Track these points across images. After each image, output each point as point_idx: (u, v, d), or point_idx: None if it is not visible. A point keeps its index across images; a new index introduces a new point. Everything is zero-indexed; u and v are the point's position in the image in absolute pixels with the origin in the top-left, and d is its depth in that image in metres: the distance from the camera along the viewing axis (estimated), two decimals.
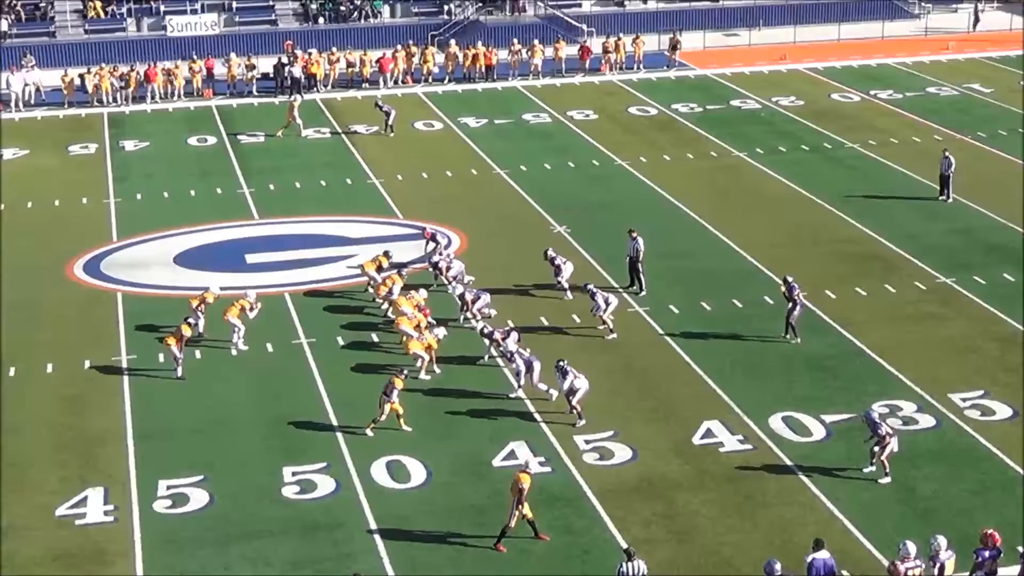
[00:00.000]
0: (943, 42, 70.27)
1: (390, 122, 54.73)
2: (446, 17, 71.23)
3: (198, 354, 34.59)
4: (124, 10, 69.82)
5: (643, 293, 37.76)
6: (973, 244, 42.00)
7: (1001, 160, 50.57)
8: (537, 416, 31.27)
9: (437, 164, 50.79)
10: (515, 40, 65.41)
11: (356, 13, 71.27)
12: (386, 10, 72.12)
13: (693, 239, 42.13)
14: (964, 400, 31.89)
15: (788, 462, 29.22)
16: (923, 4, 76.66)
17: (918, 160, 50.31)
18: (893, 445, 28.23)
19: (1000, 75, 64.09)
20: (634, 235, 37.97)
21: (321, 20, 70.88)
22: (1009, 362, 33.98)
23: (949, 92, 61.25)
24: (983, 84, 62.27)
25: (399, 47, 64.21)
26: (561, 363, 31.16)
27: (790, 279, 35.36)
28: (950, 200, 45.50)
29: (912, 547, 23.50)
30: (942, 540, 23.79)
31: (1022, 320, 36.20)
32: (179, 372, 33.35)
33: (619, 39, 65.70)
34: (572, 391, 30.84)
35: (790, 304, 34.98)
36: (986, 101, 59.55)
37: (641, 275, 38.02)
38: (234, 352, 34.67)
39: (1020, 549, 24.66)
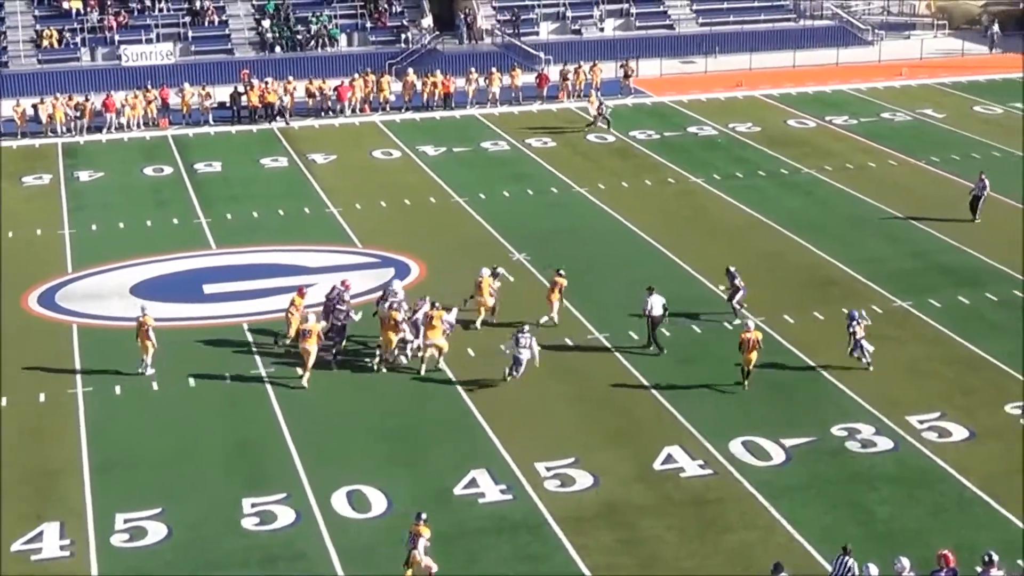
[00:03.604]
0: (896, 68, 70.82)
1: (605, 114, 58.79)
2: (403, 45, 71.32)
3: (155, 385, 34.40)
4: (78, 40, 69.57)
5: (663, 353, 35.94)
6: (928, 266, 42.29)
7: (954, 184, 50.94)
8: (498, 443, 31.23)
9: (395, 192, 50.77)
10: (472, 68, 65.54)
11: (313, 42, 71.26)
12: (343, 39, 72.12)
13: (651, 265, 42.23)
14: (921, 422, 32.07)
15: (748, 486, 29.30)
16: (876, 31, 77.29)
17: (873, 185, 50.68)
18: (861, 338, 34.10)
19: (952, 100, 64.68)
20: (651, 290, 36.26)
21: (278, 49, 70.84)
22: (965, 384, 34.21)
23: (903, 117, 61.73)
24: (936, 109, 62.80)
25: (356, 75, 64.22)
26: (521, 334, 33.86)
27: (732, 268, 37.76)
28: (978, 219, 46.08)
29: (874, 570, 23.61)
30: (905, 562, 23.97)
31: (977, 342, 36.48)
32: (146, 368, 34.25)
33: (577, 67, 65.93)
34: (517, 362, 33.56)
35: (731, 291, 37.37)
36: (939, 126, 60.04)
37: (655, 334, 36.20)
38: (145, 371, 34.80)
39: (1020, 563, 25.04)
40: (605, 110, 59.46)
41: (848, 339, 35.03)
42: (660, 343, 36.01)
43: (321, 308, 36.41)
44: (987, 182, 46.58)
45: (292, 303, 36.46)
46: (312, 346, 34.49)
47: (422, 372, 34.86)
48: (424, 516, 25.98)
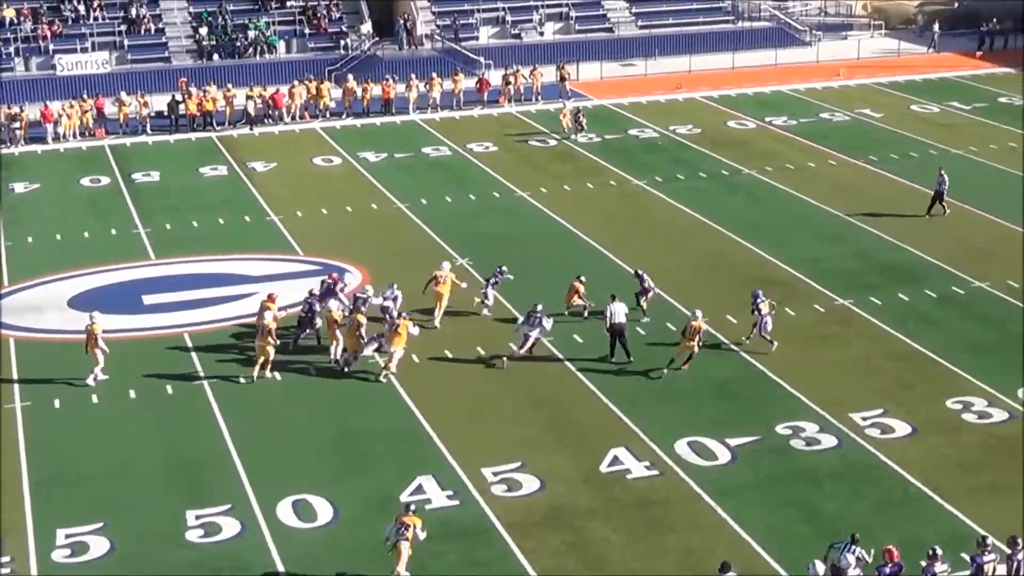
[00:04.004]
0: (834, 69, 71.24)
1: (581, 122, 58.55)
2: (343, 52, 71.03)
3: (95, 398, 34.04)
4: (12, 49, 68.81)
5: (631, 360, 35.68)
6: (869, 265, 42.55)
7: (892, 182, 51.32)
8: (444, 449, 31.13)
9: (337, 199, 50.55)
10: (413, 74, 65.37)
11: (251, 49, 70.85)
12: (281, 45, 71.74)
13: (594, 268, 42.20)
14: (864, 419, 32.26)
15: (695, 486, 29.34)
16: (814, 32, 77.74)
17: (813, 184, 50.97)
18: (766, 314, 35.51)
19: (890, 100, 65.13)
20: (614, 297, 36.29)
21: (216, 57, 70.39)
22: (907, 380, 34.45)
23: (841, 117, 62.10)
24: (873, 109, 63.22)
25: (296, 82, 63.93)
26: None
27: (640, 271, 38.50)
28: (947, 213, 46.68)
29: (820, 567, 23.71)
30: (851, 558, 24.10)
31: (918, 339, 36.74)
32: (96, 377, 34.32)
33: (517, 71, 65.92)
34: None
35: (641, 292, 38.09)
36: (877, 126, 60.45)
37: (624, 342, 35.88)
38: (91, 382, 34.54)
39: (966, 557, 25.20)
40: (582, 118, 59.05)
41: (755, 320, 36.06)
42: (628, 349, 35.67)
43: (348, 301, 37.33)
44: (946, 177, 47.02)
45: (265, 309, 36.23)
46: (270, 345, 34.70)
47: (381, 377, 34.73)
48: (413, 507, 26.33)
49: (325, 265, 42.87)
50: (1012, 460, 30.38)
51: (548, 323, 35.96)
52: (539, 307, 35.92)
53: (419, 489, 29.34)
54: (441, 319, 37.99)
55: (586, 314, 38.15)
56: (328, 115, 63.02)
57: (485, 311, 38.80)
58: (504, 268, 39.57)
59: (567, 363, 35.77)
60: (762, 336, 36.04)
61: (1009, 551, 24.85)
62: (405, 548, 25.63)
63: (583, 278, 38.72)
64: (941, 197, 46.94)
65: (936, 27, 76.65)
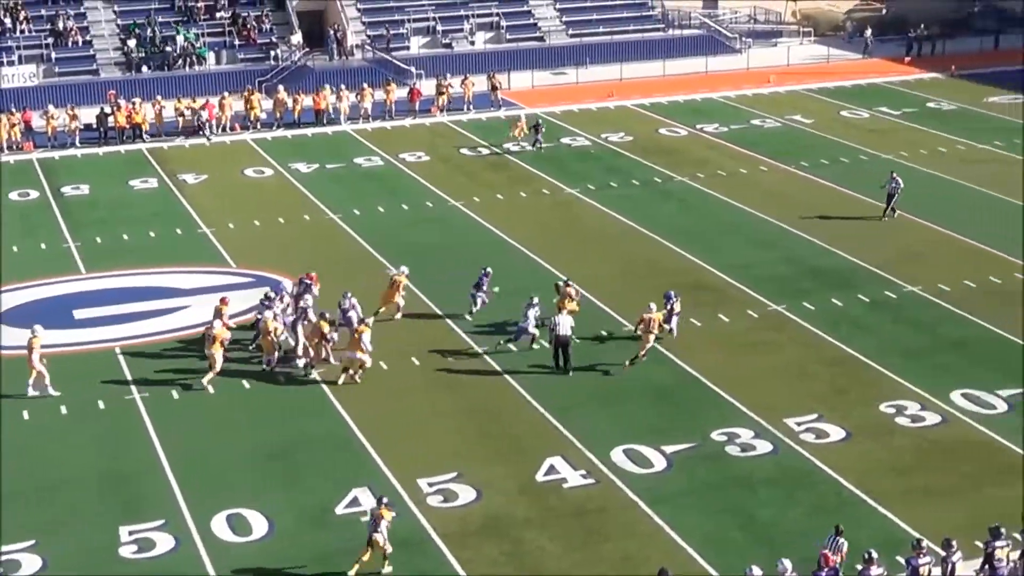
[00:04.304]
0: (764, 75, 71.73)
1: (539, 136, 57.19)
2: (273, 63, 70.69)
3: (26, 414, 33.63)
4: None
5: (571, 374, 35.49)
6: (801, 271, 42.82)
7: (823, 188, 51.72)
8: (379, 460, 31.00)
9: (269, 211, 50.26)
10: (343, 84, 65.16)
11: (180, 61, 70.35)
12: (211, 57, 71.32)
13: (529, 277, 42.21)
14: (799, 424, 32.43)
15: (631, 494, 29.38)
16: (744, 40, 78.24)
17: (745, 191, 51.25)
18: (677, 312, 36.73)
19: (820, 106, 65.64)
20: (560, 310, 36.31)
21: (145, 69, 69.83)
22: (840, 385, 34.67)
23: (772, 124, 62.52)
24: (804, 115, 63.70)
25: (226, 94, 63.54)
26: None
27: (560, 283, 38.51)
28: (896, 215, 47.22)
29: (758, 572, 23.79)
30: (787, 563, 24.25)
31: (850, 343, 37.01)
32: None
33: (447, 81, 65.78)
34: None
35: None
36: (807, 132, 60.91)
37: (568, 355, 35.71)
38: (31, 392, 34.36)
39: (901, 560, 25.42)
40: (540, 131, 57.99)
41: (667, 316, 36.96)
42: (570, 362, 35.42)
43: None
44: (900, 180, 47.60)
45: (219, 313, 36.61)
46: (217, 351, 34.82)
47: (340, 381, 35.01)
48: (386, 500, 26.73)
49: (258, 277, 42.62)
50: (945, 463, 30.65)
51: (530, 324, 36.67)
52: (535, 299, 37.03)
53: (355, 501, 29.19)
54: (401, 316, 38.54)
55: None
56: (259, 126, 62.68)
57: (467, 315, 39.01)
58: (489, 269, 39.71)
59: (502, 372, 35.72)
60: (664, 324, 36.69)
61: (944, 553, 25.04)
62: (380, 539, 26.24)
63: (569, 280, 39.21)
64: (891, 199, 47.48)
65: (869, 33, 77.34)
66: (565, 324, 35.37)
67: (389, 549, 26.47)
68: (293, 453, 31.57)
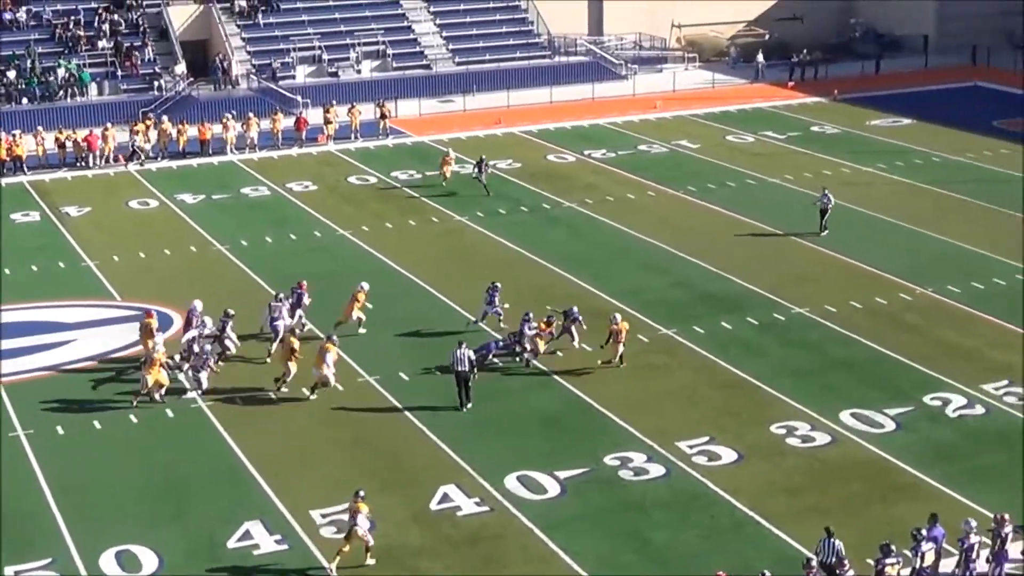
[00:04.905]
0: (650, 101, 72.32)
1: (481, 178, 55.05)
2: (156, 93, 69.92)
3: None
4: None
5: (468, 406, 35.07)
6: (691, 295, 43.11)
7: (710, 212, 52.18)
8: (271, 492, 30.61)
9: (155, 243, 49.59)
10: (229, 114, 64.60)
11: (61, 92, 69.31)
12: (93, 87, 70.37)
13: (420, 305, 42.08)
14: (691, 447, 32.57)
15: (525, 521, 29.29)
16: (630, 66, 78.83)
17: (633, 216, 51.54)
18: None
19: (706, 131, 66.28)
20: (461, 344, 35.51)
21: (25, 100, 68.69)
22: (732, 407, 34.90)
23: (659, 149, 63.00)
24: (690, 140, 64.26)
25: (109, 124, 62.68)
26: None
27: (494, 286, 39.95)
28: (826, 232, 48.35)
29: None
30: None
31: (741, 366, 37.30)
32: None
33: (329, 107, 65.37)
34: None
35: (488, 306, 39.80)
36: (694, 156, 61.46)
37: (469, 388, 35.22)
38: None
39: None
40: (485, 169, 55.52)
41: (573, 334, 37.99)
42: (470, 396, 34.94)
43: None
44: (831, 197, 48.66)
45: (146, 328, 37.14)
46: (150, 375, 35.04)
47: (311, 396, 35.53)
48: (362, 493, 27.57)
49: (144, 310, 41.91)
50: (835, 482, 30.95)
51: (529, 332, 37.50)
52: (531, 314, 37.61)
53: (247, 534, 28.79)
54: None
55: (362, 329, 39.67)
56: (144, 157, 61.87)
57: (476, 321, 40.06)
58: (498, 284, 40.35)
59: (394, 401, 35.50)
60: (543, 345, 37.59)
61: (837, 571, 25.26)
62: (362, 533, 27.12)
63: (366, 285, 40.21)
64: (824, 215, 48.44)
65: (761, 58, 78.32)
66: (466, 359, 35.00)
67: (371, 541, 27.22)
68: (183, 487, 31.08)
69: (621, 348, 37.13)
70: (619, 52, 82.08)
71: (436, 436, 33.40)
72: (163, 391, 35.36)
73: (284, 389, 35.93)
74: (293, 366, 35.85)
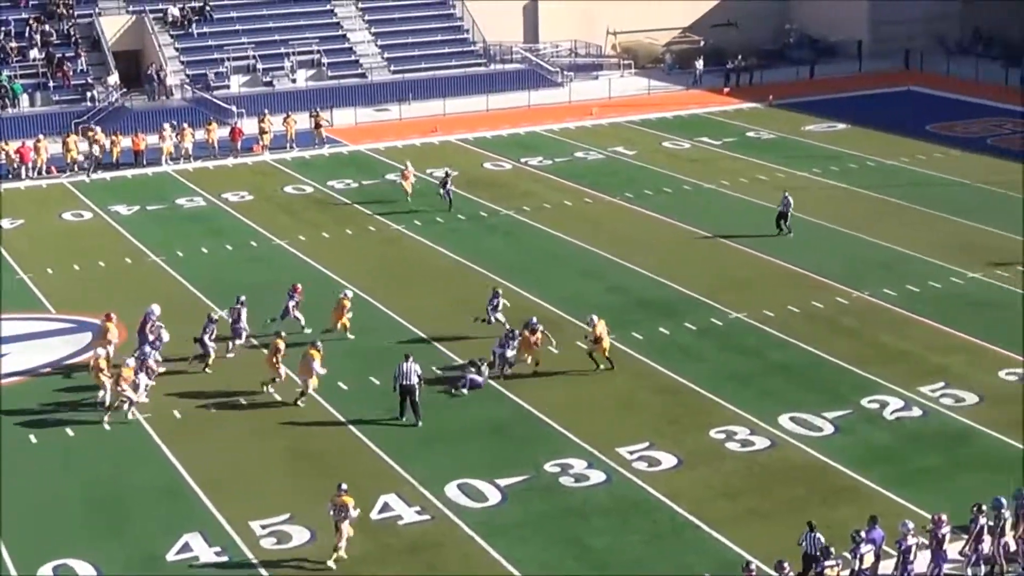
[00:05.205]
0: (586, 108, 72.45)
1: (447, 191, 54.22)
2: (89, 104, 69.30)
3: None
4: None
5: (420, 424, 34.58)
6: (628, 300, 43.21)
7: (647, 218, 52.34)
8: (210, 504, 30.38)
9: (89, 255, 49.13)
10: (164, 124, 64.10)
11: None
12: (25, 98, 69.65)
13: (359, 315, 41.89)
14: (631, 453, 32.63)
15: (467, 528, 29.25)
16: (565, 73, 78.98)
17: (571, 223, 51.61)
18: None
19: (642, 137, 66.50)
20: (408, 357, 35.01)
21: None
22: (671, 413, 35.00)
23: (596, 156, 63.14)
24: (626, 147, 64.45)
25: (41, 136, 62.09)
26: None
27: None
28: (791, 234, 48.84)
29: None
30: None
31: (679, 371, 37.42)
32: None
33: (262, 117, 65.00)
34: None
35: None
36: (630, 163, 61.63)
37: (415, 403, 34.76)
38: None
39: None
40: (449, 183, 54.18)
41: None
42: (418, 412, 34.53)
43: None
44: (791, 199, 49.14)
45: (107, 332, 37.54)
46: (105, 379, 35.26)
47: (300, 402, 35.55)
48: (344, 487, 27.96)
49: (79, 323, 41.63)
50: (775, 486, 31.10)
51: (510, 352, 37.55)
52: (515, 331, 37.83)
53: (186, 547, 28.56)
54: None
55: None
56: (77, 169, 61.31)
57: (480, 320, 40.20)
58: (499, 290, 40.81)
59: (333, 411, 35.34)
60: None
61: (813, 564, 25.48)
62: (346, 528, 27.61)
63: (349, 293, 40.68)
64: (784, 217, 49.02)
65: (700, 64, 78.72)
66: (412, 373, 34.64)
67: (351, 532, 27.87)
68: (121, 500, 30.81)
69: (606, 347, 37.35)
70: (555, 59, 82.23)
71: (376, 446, 33.29)
72: (130, 397, 35.03)
73: (271, 390, 36.00)
74: (283, 369, 35.95)
